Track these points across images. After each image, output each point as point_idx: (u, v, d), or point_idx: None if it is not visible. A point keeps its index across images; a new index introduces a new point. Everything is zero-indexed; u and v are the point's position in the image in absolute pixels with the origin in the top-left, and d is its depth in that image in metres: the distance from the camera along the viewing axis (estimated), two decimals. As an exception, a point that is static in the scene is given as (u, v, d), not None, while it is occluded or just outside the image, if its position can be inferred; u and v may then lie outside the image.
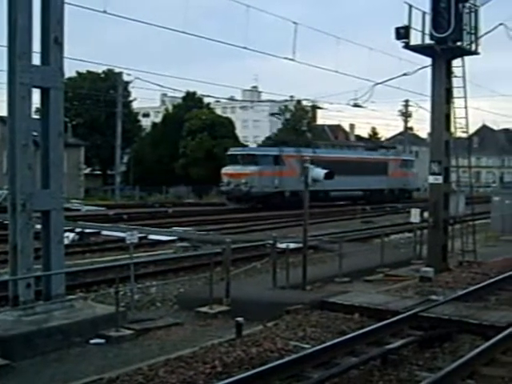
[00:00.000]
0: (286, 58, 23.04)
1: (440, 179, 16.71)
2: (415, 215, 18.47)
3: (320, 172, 14.29)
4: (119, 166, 56.52)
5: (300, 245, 14.81)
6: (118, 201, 51.17)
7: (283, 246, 14.80)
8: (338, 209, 42.21)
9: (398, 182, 55.44)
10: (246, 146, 70.41)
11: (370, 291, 13.55)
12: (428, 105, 17.42)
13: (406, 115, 70.70)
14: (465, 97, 17.08)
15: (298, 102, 74.20)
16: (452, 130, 17.33)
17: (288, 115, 77.22)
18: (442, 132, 16.86)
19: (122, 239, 15.46)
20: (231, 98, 76.43)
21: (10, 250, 10.04)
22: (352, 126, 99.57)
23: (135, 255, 14.97)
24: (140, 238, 16.24)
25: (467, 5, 16.43)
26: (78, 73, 68.31)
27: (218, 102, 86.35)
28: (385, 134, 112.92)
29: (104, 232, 24.49)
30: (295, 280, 13.44)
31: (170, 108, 74.46)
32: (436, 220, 16.74)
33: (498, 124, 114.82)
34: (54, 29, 10.29)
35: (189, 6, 25.92)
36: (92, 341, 9.85)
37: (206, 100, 71.09)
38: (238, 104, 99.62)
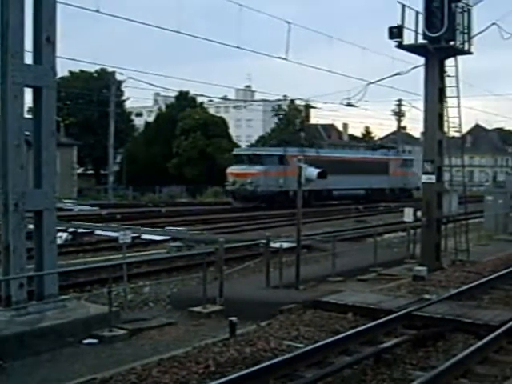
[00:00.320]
0: (279, 58, 23.01)
1: (433, 178, 16.74)
2: (408, 214, 18.49)
3: (313, 171, 14.36)
4: (112, 165, 56.38)
5: (293, 244, 14.81)
6: (111, 200, 51.04)
7: (277, 245, 14.79)
8: (332, 208, 42.30)
9: (399, 181, 56.04)
10: (239, 145, 70.55)
11: (364, 290, 13.56)
12: (421, 104, 17.49)
13: (399, 115, 70.77)
14: (458, 96, 17.15)
15: (292, 101, 74.23)
16: (445, 129, 17.38)
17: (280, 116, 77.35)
18: (435, 131, 16.89)
19: (115, 239, 15.42)
20: (224, 98, 76.43)
21: (3, 250, 9.99)
22: (345, 126, 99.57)
23: (128, 255, 14.96)
24: (133, 238, 16.19)
25: (460, 4, 16.47)
26: (70, 72, 68.23)
27: (211, 101, 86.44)
28: (378, 133, 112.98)
29: (97, 232, 24.42)
30: (289, 279, 13.44)
31: (163, 107, 74.40)
32: (429, 219, 16.76)
33: (490, 123, 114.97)
34: (46, 28, 10.26)
35: (182, 6, 25.86)
36: (85, 341, 9.81)
37: (200, 99, 71.20)
38: (231, 103, 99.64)
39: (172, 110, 68.79)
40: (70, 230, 23.17)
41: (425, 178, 16.96)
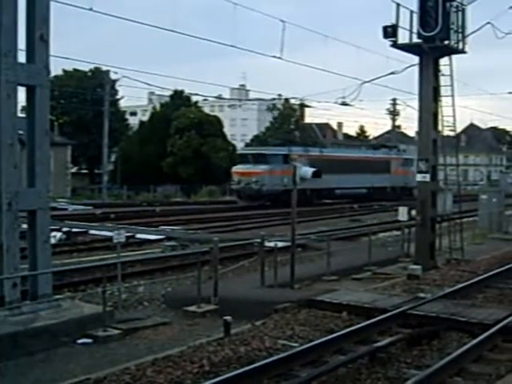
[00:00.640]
0: (273, 57, 22.99)
1: (427, 177, 16.77)
2: (403, 213, 18.51)
3: (308, 171, 14.39)
4: (106, 164, 56.26)
5: (288, 243, 14.79)
6: (105, 200, 50.94)
7: (271, 244, 14.78)
8: (327, 207, 42.35)
9: (400, 180, 56.45)
10: (234, 144, 70.59)
11: (358, 289, 13.56)
12: (416, 103, 17.49)
13: (393, 114, 70.88)
14: (452, 95, 17.17)
15: (286, 100, 74.22)
16: (439, 128, 17.39)
17: (276, 113, 77.31)
18: (429, 130, 16.91)
19: (110, 238, 15.39)
20: (219, 97, 76.28)
21: (-4, 249, 9.95)
22: (340, 125, 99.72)
23: (122, 254, 14.91)
24: (127, 237, 16.16)
25: (454, 4, 16.50)
26: (64, 71, 68.03)
27: (205, 100, 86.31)
28: (373, 132, 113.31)
29: (91, 231, 24.36)
30: (283, 279, 13.43)
31: (158, 106, 74.31)
32: (424, 218, 16.78)
33: (485, 122, 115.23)
34: (39, 26, 10.22)
35: (177, 5, 25.83)
36: (79, 341, 9.77)
37: (194, 98, 71.10)
38: (225, 102, 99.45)
39: (166, 109, 68.69)
40: (64, 229, 23.09)
41: (419, 177, 16.98)
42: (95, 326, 10.13)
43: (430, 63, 16.60)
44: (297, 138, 60.46)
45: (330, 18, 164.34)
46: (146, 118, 74.06)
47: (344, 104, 25.86)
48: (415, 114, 18.45)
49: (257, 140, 75.94)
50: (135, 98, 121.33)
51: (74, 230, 23.87)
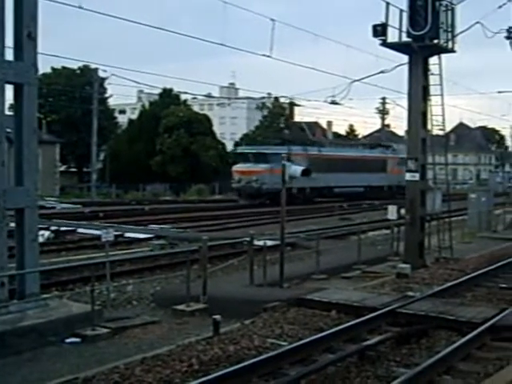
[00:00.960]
0: (263, 55, 22.94)
1: (417, 176, 16.81)
2: (392, 212, 18.54)
3: (297, 169, 14.35)
4: (95, 163, 56.04)
5: (277, 242, 14.78)
6: (93, 198, 50.76)
7: (260, 243, 14.76)
8: (316, 206, 42.46)
9: (396, 179, 56.82)
10: (223, 143, 70.53)
11: (348, 288, 13.58)
12: (405, 102, 17.54)
13: (383, 113, 71.27)
14: (441, 94, 17.22)
15: (276, 98, 74.24)
16: (429, 127, 17.43)
17: (265, 112, 77.28)
18: (418, 129, 16.94)
19: (98, 237, 15.28)
20: (208, 95, 76.08)
21: (-17, 248, 9.87)
22: (329, 123, 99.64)
23: (111, 253, 14.82)
24: (116, 236, 16.11)
25: (444, 3, 16.53)
26: (52, 68, 67.67)
27: (195, 98, 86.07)
28: (362, 131, 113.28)
29: (80, 230, 24.23)
30: (272, 277, 13.42)
31: (147, 105, 74.07)
32: (413, 217, 16.83)
33: (474, 122, 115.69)
34: (27, 24, 10.13)
35: (166, 3, 25.75)
36: (67, 340, 9.72)
37: (183, 97, 70.87)
38: (215, 101, 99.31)
39: (155, 108, 68.55)
40: (52, 228, 23.00)
41: (408, 176, 17.04)
42: (84, 325, 10.08)
43: (420, 62, 16.63)
44: (286, 137, 60.44)
45: (320, 16, 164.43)
46: (135, 117, 73.88)
47: (333, 103, 25.77)
48: (404, 113, 18.55)
49: (246, 139, 75.85)
50: (124, 96, 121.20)
51: (63, 228, 23.78)
